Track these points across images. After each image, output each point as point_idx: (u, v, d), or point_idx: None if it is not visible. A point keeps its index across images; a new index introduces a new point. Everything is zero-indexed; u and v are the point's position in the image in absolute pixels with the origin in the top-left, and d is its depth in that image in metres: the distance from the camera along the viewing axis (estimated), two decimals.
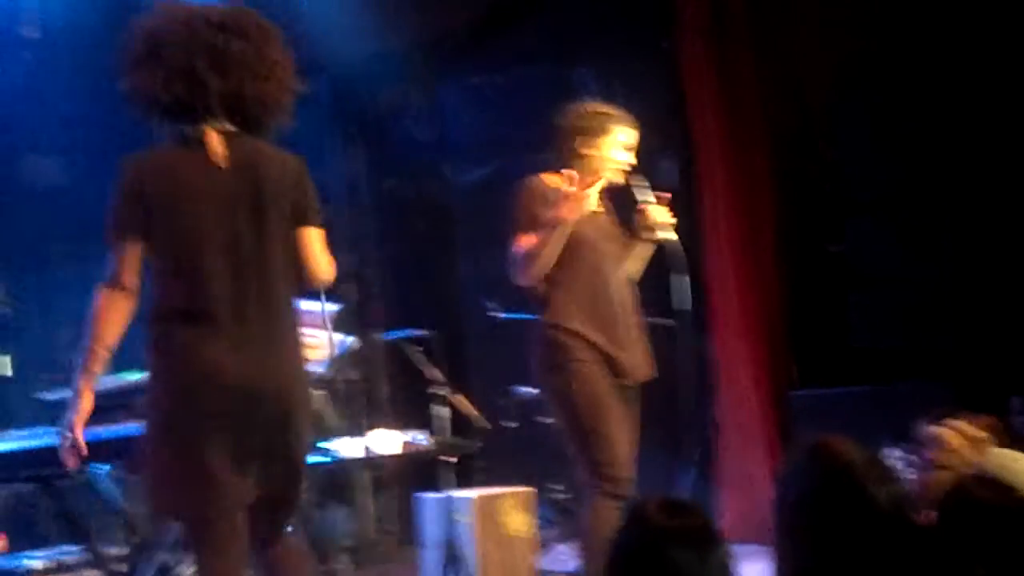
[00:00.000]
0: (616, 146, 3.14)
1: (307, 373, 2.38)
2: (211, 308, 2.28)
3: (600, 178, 3.09)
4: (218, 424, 2.24)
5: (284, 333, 2.33)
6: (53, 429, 2.91)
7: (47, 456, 2.82)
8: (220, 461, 2.24)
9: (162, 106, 2.36)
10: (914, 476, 2.86)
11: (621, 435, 3.02)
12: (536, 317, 3.12)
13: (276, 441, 2.29)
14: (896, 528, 1.58)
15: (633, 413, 3.10)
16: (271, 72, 2.38)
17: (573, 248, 3.03)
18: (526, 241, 2.99)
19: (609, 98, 3.39)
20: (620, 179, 3.15)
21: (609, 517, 2.92)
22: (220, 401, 2.24)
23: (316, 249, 2.41)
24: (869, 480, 1.59)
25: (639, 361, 3.10)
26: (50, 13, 5.39)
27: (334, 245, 6.89)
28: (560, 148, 3.14)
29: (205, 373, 2.25)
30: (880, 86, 4.85)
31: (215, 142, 2.34)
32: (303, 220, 2.39)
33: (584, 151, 3.11)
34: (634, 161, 3.16)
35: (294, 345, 2.35)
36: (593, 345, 3.00)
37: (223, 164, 2.32)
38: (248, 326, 2.28)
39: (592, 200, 3.11)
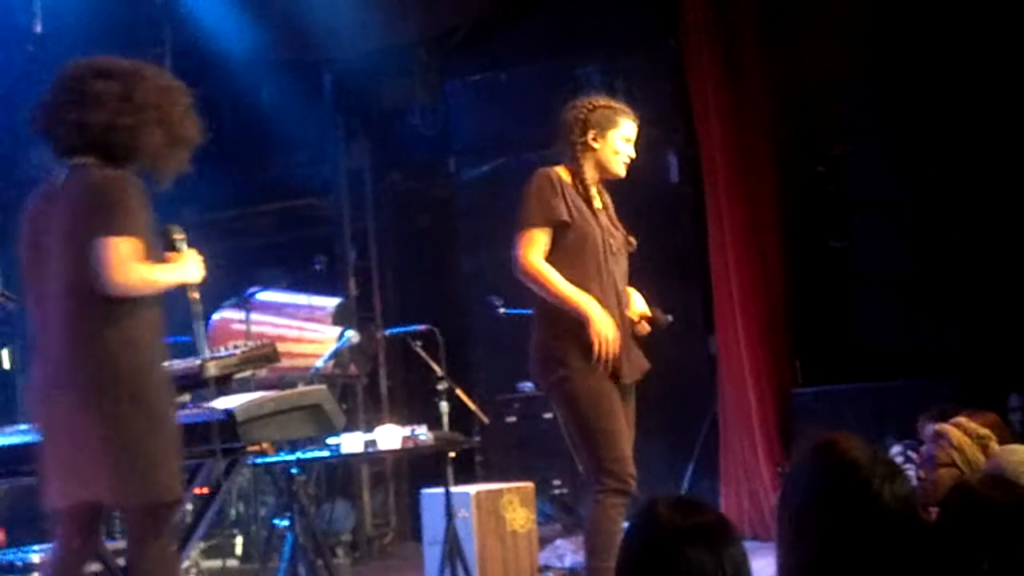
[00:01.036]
0: (621, 139, 3.15)
1: (107, 390, 2.48)
2: (35, 332, 2.56)
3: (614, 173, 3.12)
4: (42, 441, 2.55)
5: (72, 349, 2.47)
6: None
7: None
8: (42, 467, 2.53)
9: (45, 140, 2.60)
10: (917, 473, 2.84)
11: (624, 432, 3.02)
12: (537, 312, 3.10)
13: (68, 452, 2.48)
14: (902, 525, 1.57)
15: (629, 410, 3.10)
16: (136, 112, 2.54)
17: (577, 245, 3.01)
18: (557, 285, 2.96)
19: (612, 94, 3.36)
20: (622, 172, 3.16)
21: (616, 514, 2.91)
22: (35, 416, 2.56)
23: (100, 258, 2.44)
24: (874, 477, 1.58)
25: (635, 360, 3.10)
26: (52, 6, 5.39)
27: (336, 239, 6.89)
28: (569, 141, 3.12)
29: (26, 396, 2.61)
30: (884, 84, 4.84)
31: (61, 174, 2.54)
32: (95, 231, 2.45)
33: (594, 144, 3.11)
34: (634, 154, 3.16)
35: (84, 358, 2.46)
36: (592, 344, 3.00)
37: (55, 194, 2.54)
38: (45, 347, 2.52)
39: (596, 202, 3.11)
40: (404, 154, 6.16)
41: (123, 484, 2.44)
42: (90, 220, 2.44)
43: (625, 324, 3.06)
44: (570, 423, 3.02)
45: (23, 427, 3.14)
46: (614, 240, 3.10)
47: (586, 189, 3.09)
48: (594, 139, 3.09)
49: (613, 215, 3.18)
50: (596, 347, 2.95)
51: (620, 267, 3.11)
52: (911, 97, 4.74)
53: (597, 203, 3.13)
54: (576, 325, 2.98)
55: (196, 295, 2.63)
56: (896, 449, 3.80)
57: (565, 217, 3.01)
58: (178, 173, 2.63)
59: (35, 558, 3.82)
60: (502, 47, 5.73)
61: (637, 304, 3.13)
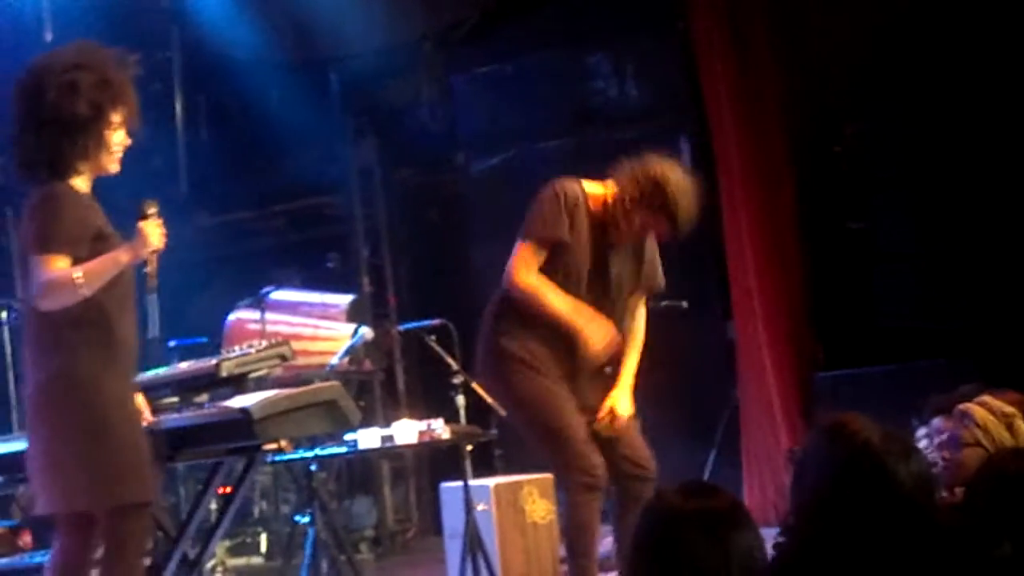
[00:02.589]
0: (649, 224, 3.01)
1: (53, 403, 2.51)
2: None
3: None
4: None
5: (29, 362, 2.56)
6: None
7: None
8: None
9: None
10: (941, 454, 2.81)
11: (580, 425, 2.94)
12: (485, 315, 3.10)
13: (31, 462, 2.58)
14: (919, 503, 1.54)
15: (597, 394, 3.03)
16: (42, 127, 2.54)
17: (560, 267, 2.98)
18: (550, 304, 2.94)
19: (621, 80, 3.28)
20: (623, 240, 3.05)
21: (589, 511, 2.90)
22: None
23: (31, 276, 2.50)
24: (889, 456, 1.55)
25: (583, 391, 3.00)
26: (61, 14, 5.41)
27: (348, 237, 6.88)
28: (620, 183, 3.00)
29: None
30: (902, 61, 4.76)
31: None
32: (27, 251, 2.52)
33: (627, 206, 2.99)
34: (653, 244, 3.07)
35: (36, 372, 2.54)
36: (534, 351, 2.96)
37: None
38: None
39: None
40: (413, 150, 6.14)
41: (71, 491, 2.48)
42: (26, 239, 2.50)
43: (585, 361, 2.99)
44: (524, 428, 3.01)
45: None
46: (605, 280, 3.03)
47: (603, 222, 3.02)
48: (633, 212, 2.99)
49: (649, 258, 3.10)
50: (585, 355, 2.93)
51: (604, 309, 3.03)
52: (927, 72, 4.67)
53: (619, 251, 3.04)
54: (521, 327, 2.96)
55: (150, 269, 2.54)
56: (922, 432, 3.75)
57: (565, 238, 2.97)
58: (119, 152, 2.59)
59: None
60: (508, 38, 5.69)
61: (619, 404, 3.05)
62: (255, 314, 4.56)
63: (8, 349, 4.89)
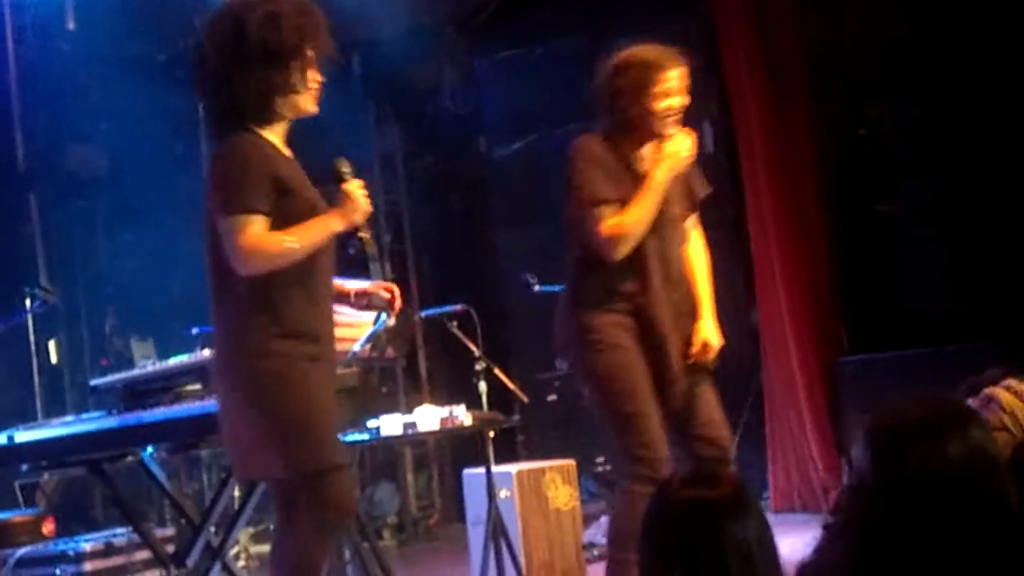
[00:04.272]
0: (661, 95, 2.74)
1: (233, 368, 2.41)
2: None
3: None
4: None
5: (214, 327, 2.49)
6: (100, 414, 2.96)
7: (96, 441, 2.86)
8: None
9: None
10: None
11: (653, 414, 2.75)
12: (566, 284, 2.90)
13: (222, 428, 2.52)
14: (973, 483, 1.48)
15: (699, 390, 2.85)
16: (228, 70, 2.41)
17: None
18: (638, 214, 2.73)
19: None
20: (676, 128, 2.79)
21: (644, 505, 2.81)
22: None
23: (224, 240, 2.34)
24: (933, 437, 1.50)
25: (683, 340, 2.81)
26: (85, 3, 5.43)
27: (370, 223, 6.87)
28: (607, 112, 2.78)
29: None
30: (927, 42, 4.69)
31: None
32: (216, 210, 2.37)
33: (628, 111, 2.75)
34: (687, 100, 2.79)
35: (218, 336, 2.47)
36: (631, 328, 2.76)
37: None
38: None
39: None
40: (435, 135, 6.13)
41: (244, 460, 2.39)
42: (212, 199, 2.35)
43: (673, 298, 2.84)
44: (595, 405, 2.86)
45: (70, 419, 3.18)
46: (669, 206, 2.84)
47: (625, 158, 2.83)
48: (628, 106, 2.78)
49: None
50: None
51: (678, 233, 2.88)
52: (952, 53, 4.59)
53: (646, 165, 2.83)
54: (603, 296, 2.79)
55: (365, 235, 2.38)
56: None
57: (607, 195, 2.77)
58: (316, 90, 2.40)
59: (87, 546, 3.88)
60: (531, 22, 5.66)
61: (706, 331, 2.88)
62: None
63: (32, 338, 4.92)
